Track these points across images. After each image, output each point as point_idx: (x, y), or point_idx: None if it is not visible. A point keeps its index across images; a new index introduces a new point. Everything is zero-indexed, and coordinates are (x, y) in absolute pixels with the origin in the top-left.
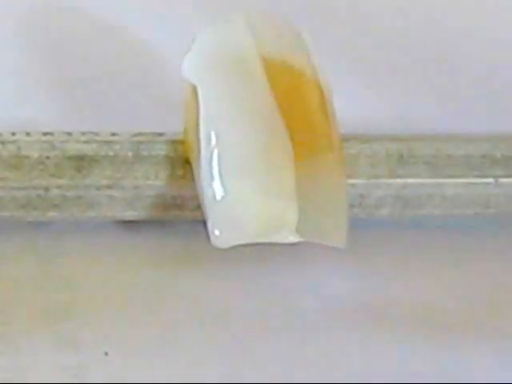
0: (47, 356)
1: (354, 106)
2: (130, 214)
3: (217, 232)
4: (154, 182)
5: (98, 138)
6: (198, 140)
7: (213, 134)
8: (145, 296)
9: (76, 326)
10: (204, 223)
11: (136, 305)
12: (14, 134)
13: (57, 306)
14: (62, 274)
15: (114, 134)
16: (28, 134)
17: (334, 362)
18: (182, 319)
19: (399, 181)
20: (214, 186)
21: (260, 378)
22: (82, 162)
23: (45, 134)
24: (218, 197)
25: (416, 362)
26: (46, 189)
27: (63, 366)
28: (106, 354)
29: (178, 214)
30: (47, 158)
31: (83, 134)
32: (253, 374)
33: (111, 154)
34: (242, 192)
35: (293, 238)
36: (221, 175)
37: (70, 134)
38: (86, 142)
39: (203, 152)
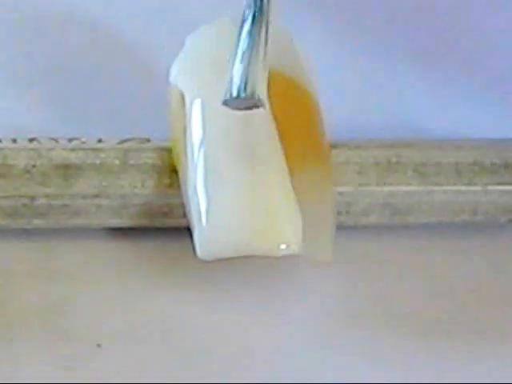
0: (40, 348)
1: (343, 110)
2: (116, 222)
3: (202, 245)
4: (141, 190)
5: (84, 146)
6: (186, 149)
7: (201, 144)
8: (134, 295)
9: (69, 318)
10: (190, 231)
11: (126, 304)
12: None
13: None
14: (54, 275)
15: (100, 141)
16: (14, 140)
17: (327, 367)
18: (171, 317)
19: (387, 188)
20: (201, 198)
21: (255, 378)
22: (68, 171)
23: (31, 140)
24: (204, 209)
25: (408, 366)
26: (32, 198)
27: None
28: (99, 345)
29: (164, 222)
30: (33, 166)
31: (70, 140)
32: (247, 373)
33: (98, 162)
34: (229, 205)
35: (279, 253)
36: (207, 187)
37: (56, 140)
38: (72, 149)
39: (190, 162)
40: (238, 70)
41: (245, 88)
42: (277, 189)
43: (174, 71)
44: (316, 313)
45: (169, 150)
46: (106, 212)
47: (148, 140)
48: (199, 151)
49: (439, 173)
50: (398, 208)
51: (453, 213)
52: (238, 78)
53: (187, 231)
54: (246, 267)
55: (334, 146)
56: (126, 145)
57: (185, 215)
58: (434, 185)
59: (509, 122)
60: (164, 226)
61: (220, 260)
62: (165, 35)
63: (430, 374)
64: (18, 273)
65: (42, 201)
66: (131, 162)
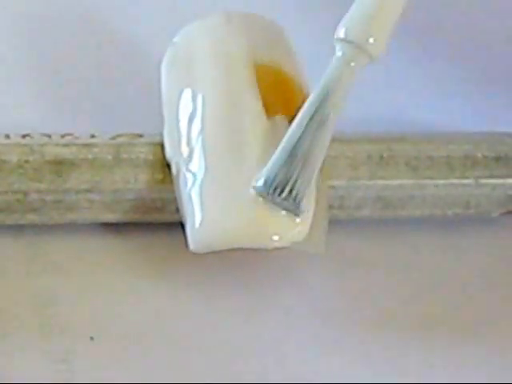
0: (35, 341)
1: None
2: (109, 217)
3: (194, 238)
4: (134, 185)
5: (77, 142)
6: (179, 143)
7: (193, 136)
8: (127, 289)
9: (63, 313)
10: (183, 226)
11: (119, 297)
12: None
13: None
14: (47, 269)
15: (93, 136)
16: (7, 136)
17: (321, 361)
18: (164, 311)
19: (379, 182)
20: (193, 192)
21: (250, 375)
22: (61, 166)
23: (24, 136)
24: (197, 203)
25: (405, 361)
26: (26, 193)
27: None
28: (92, 338)
29: (157, 216)
30: (26, 162)
31: (62, 136)
32: (242, 371)
33: (90, 157)
34: (221, 199)
35: (269, 245)
36: (201, 181)
37: (49, 136)
38: (65, 145)
39: (184, 157)
40: (278, 163)
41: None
42: None
43: (164, 65)
44: (309, 306)
45: (161, 145)
46: (98, 207)
47: (140, 135)
48: (192, 145)
49: (431, 166)
50: (390, 201)
51: (445, 206)
52: (275, 173)
53: (180, 225)
54: (238, 261)
55: None
56: (118, 140)
57: (177, 210)
58: (426, 178)
59: (500, 116)
60: (157, 221)
61: (213, 253)
62: (158, 31)
63: (425, 370)
64: (11, 267)
65: (34, 196)
66: (124, 157)
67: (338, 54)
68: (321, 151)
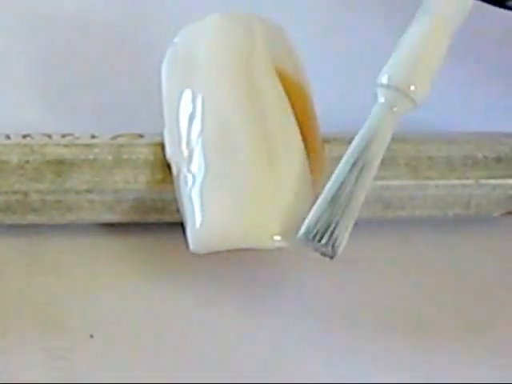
0: (34, 339)
1: (336, 105)
2: (109, 218)
3: (195, 239)
4: (134, 185)
5: (77, 142)
6: (179, 144)
7: (193, 137)
8: (127, 289)
9: (63, 312)
10: (183, 226)
11: (119, 297)
12: None
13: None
14: (48, 269)
15: (93, 137)
16: (8, 136)
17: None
18: (164, 311)
19: (380, 182)
20: (193, 192)
21: (250, 375)
22: (61, 167)
23: (24, 136)
24: (197, 203)
25: (405, 361)
26: (26, 193)
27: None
28: (92, 336)
29: (157, 217)
30: (27, 162)
31: (63, 136)
32: (242, 371)
33: (91, 157)
34: (221, 198)
35: (271, 245)
36: (201, 181)
37: (49, 136)
38: (65, 145)
39: (184, 157)
40: (320, 209)
41: (321, 235)
42: (270, 181)
43: (165, 66)
44: (309, 306)
45: (162, 146)
46: (99, 207)
47: (141, 135)
48: (192, 146)
49: (432, 167)
50: (390, 202)
51: (445, 206)
52: (316, 219)
53: (180, 226)
54: (239, 261)
55: (327, 141)
56: (119, 140)
57: (178, 210)
58: (426, 179)
59: (500, 116)
60: (157, 221)
61: (213, 253)
62: (158, 30)
63: (425, 370)
64: (12, 267)
65: (35, 196)
66: (124, 157)
67: (381, 100)
68: (362, 194)
